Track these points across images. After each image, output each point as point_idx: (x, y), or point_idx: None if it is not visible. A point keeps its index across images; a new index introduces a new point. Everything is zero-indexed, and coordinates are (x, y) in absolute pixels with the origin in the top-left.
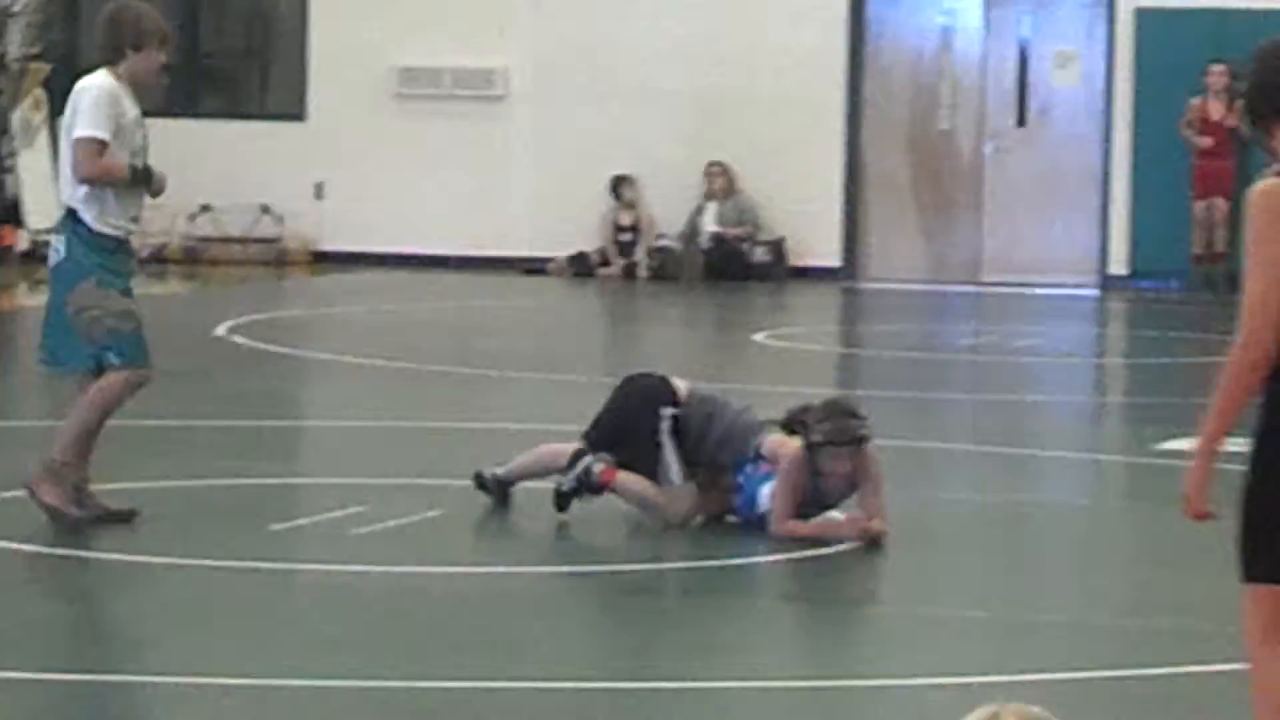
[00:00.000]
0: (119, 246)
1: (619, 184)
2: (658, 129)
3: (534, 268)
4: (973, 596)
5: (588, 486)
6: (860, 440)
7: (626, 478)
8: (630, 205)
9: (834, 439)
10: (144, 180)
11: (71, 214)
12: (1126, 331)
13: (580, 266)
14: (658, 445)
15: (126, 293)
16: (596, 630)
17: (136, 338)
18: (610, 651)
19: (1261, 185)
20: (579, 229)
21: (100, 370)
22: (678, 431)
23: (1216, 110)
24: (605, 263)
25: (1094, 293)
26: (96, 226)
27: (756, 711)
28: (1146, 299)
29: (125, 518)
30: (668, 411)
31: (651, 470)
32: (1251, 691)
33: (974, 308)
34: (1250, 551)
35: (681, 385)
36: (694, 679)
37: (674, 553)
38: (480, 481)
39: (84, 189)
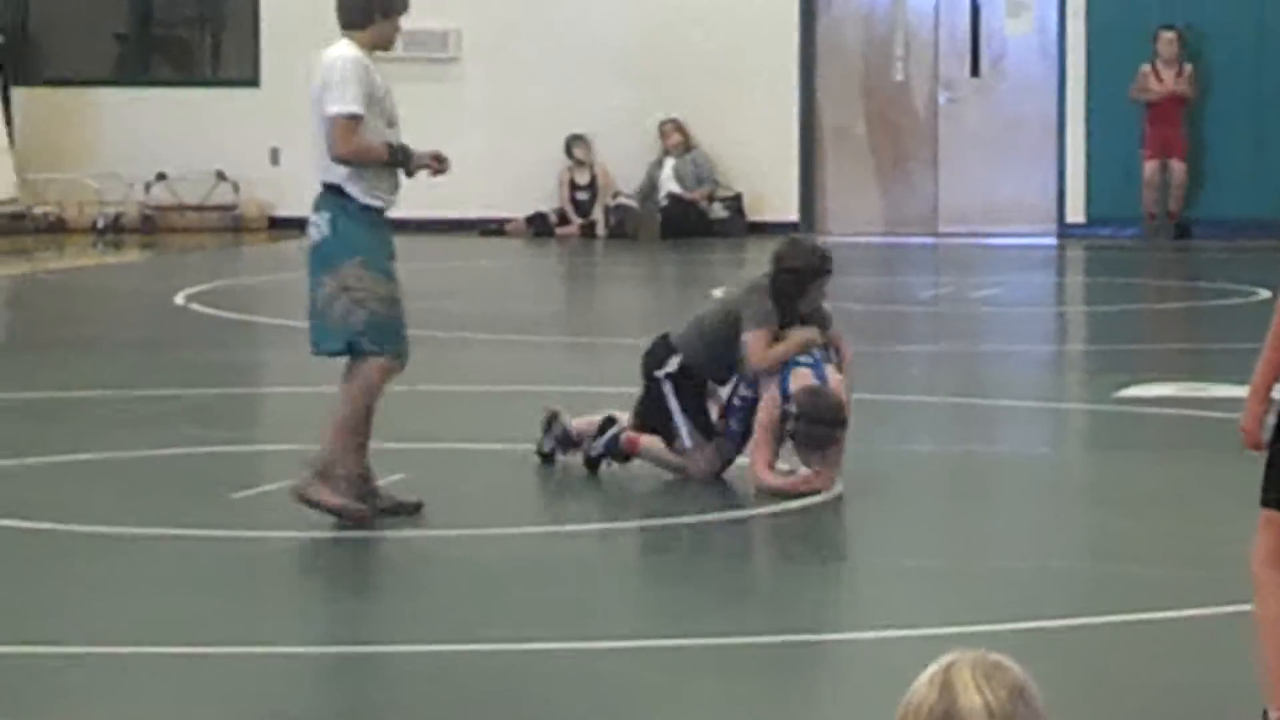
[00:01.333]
0: (383, 221)
1: (573, 143)
2: (611, 87)
3: (492, 229)
4: (934, 547)
5: (614, 453)
6: (827, 265)
7: (650, 443)
8: (586, 164)
9: (805, 266)
10: (402, 161)
11: (336, 190)
12: (1085, 280)
13: (539, 226)
14: (665, 410)
15: (390, 276)
16: (564, 589)
17: (396, 325)
18: (571, 610)
19: None
20: (536, 189)
21: (354, 355)
22: (680, 390)
23: (1167, 76)
24: (564, 222)
25: (1051, 241)
26: (364, 200)
27: (715, 667)
28: (1104, 247)
29: (412, 509)
30: (660, 373)
31: (670, 436)
32: (1255, 610)
33: (932, 259)
34: (1271, 480)
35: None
36: (658, 637)
37: (628, 513)
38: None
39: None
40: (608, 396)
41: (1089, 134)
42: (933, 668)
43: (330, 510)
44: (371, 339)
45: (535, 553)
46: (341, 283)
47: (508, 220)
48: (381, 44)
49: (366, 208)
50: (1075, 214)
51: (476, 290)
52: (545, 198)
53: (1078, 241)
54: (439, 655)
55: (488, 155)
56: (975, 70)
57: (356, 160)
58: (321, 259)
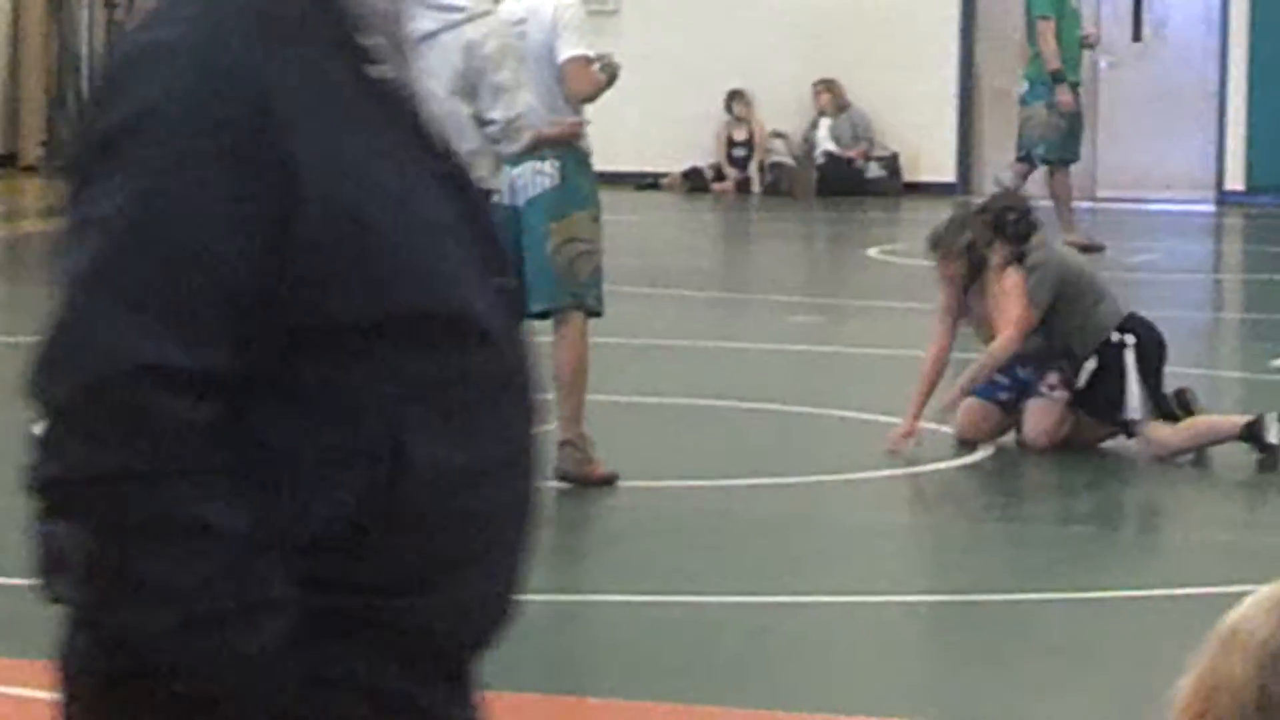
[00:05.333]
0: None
1: (733, 98)
2: (771, 44)
3: (647, 183)
4: (1095, 513)
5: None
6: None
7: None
8: (744, 120)
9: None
10: (610, 84)
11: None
12: (1243, 247)
13: (694, 181)
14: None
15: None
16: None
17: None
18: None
19: None
20: (692, 144)
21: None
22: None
23: None
24: (719, 178)
25: (1210, 208)
26: (587, 148)
27: (877, 623)
28: (1263, 214)
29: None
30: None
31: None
32: None
33: (1089, 223)
34: None
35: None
36: (812, 594)
37: (790, 469)
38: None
39: (573, 112)
40: (763, 353)
41: (1250, 102)
42: (1266, 594)
43: (603, 480)
44: (596, 295)
45: (620, 510)
46: (569, 233)
47: (663, 175)
48: None
49: (589, 156)
50: (1234, 181)
51: (630, 244)
52: (701, 153)
53: (1236, 209)
54: (597, 604)
55: (645, 109)
56: (1137, 35)
57: (595, 97)
58: (545, 208)
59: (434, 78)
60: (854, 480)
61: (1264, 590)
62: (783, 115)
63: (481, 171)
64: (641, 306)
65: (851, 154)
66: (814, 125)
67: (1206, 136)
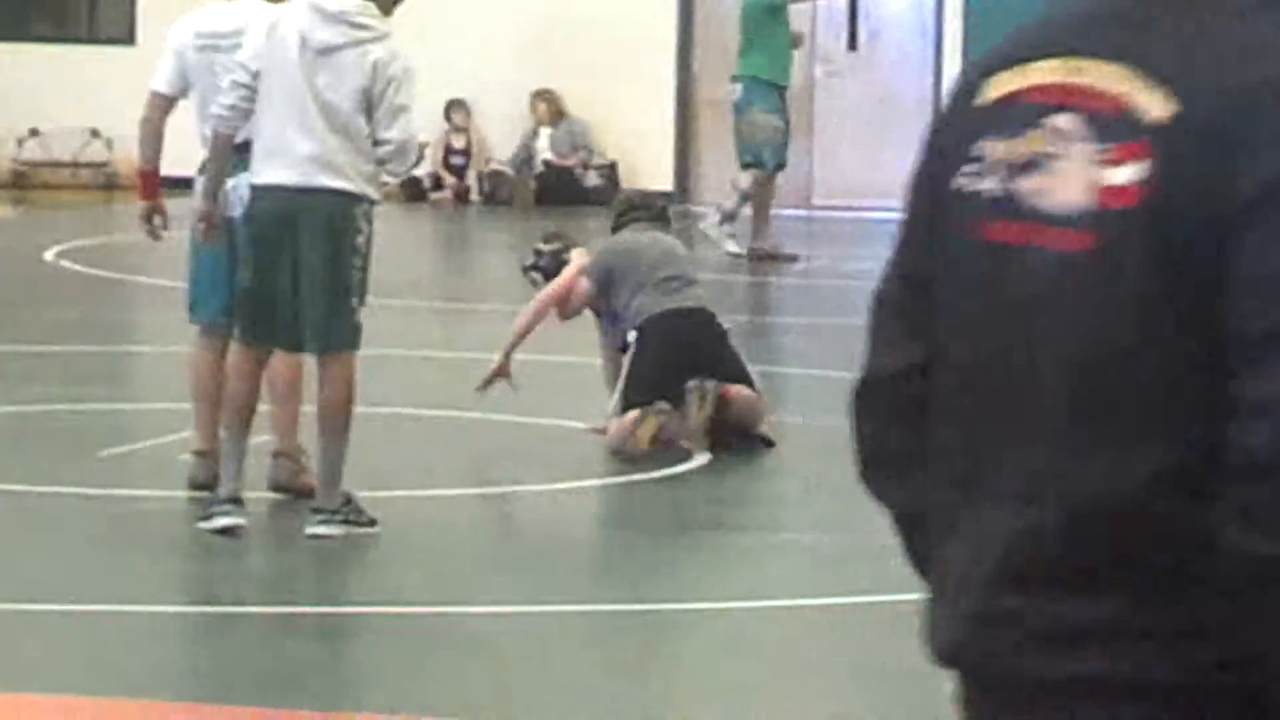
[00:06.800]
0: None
1: (451, 108)
2: (490, 54)
3: None
4: (808, 520)
5: None
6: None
7: None
8: (462, 129)
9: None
10: None
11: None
12: None
13: (412, 191)
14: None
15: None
16: (430, 554)
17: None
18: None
19: None
20: None
21: None
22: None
23: None
24: (438, 186)
25: None
26: None
27: (587, 634)
28: None
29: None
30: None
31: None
32: None
33: (805, 231)
34: None
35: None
36: (536, 604)
37: (506, 479)
38: None
39: None
40: (485, 362)
41: None
42: None
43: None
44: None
45: (406, 515)
46: None
47: (382, 184)
48: None
49: None
50: None
51: None
52: (419, 162)
53: None
54: (305, 616)
55: None
56: (853, 44)
57: None
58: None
59: (331, 90)
60: (567, 490)
61: None
62: (501, 124)
63: (370, 189)
64: (363, 316)
65: (570, 163)
66: (533, 135)
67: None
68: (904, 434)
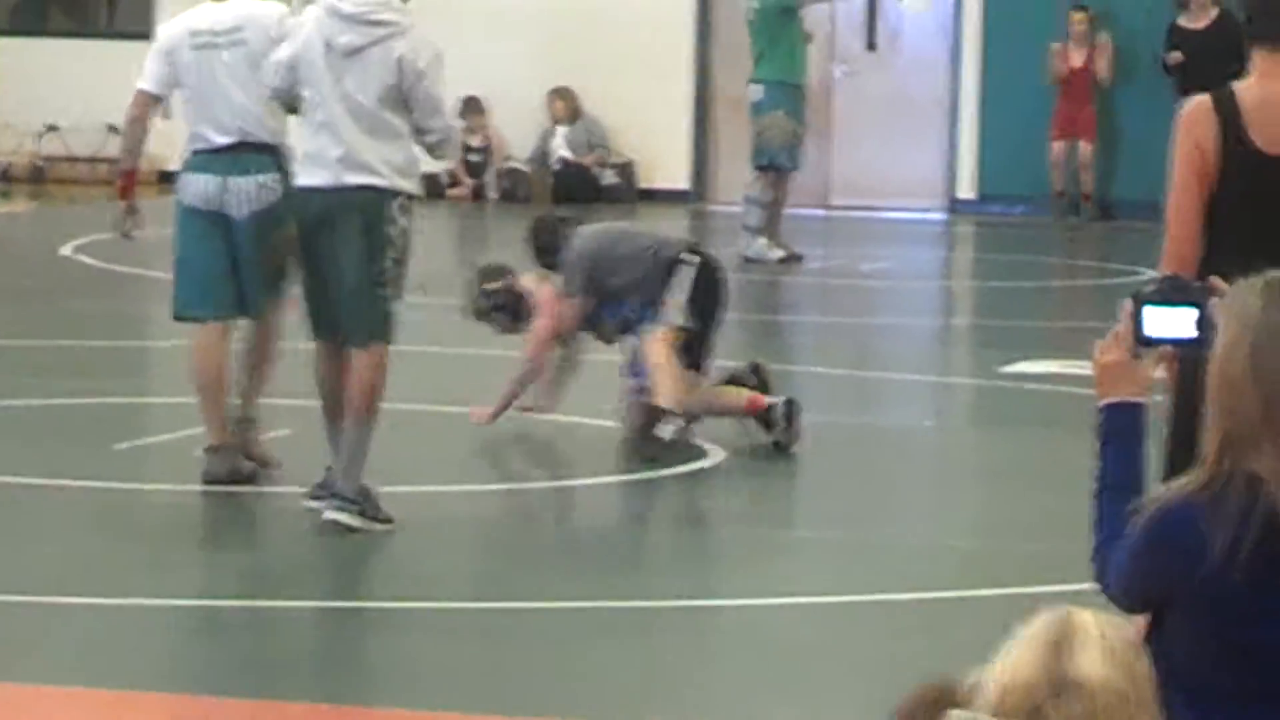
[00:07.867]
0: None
1: (468, 105)
2: (507, 51)
3: None
4: (823, 517)
5: None
6: None
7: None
8: (479, 127)
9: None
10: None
11: None
12: (974, 255)
13: (430, 188)
14: None
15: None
16: (444, 549)
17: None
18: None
19: None
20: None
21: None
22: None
23: (1078, 57)
24: (455, 184)
25: (942, 216)
26: None
27: (606, 629)
28: (994, 223)
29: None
30: None
31: None
32: None
33: (823, 231)
34: None
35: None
36: (555, 599)
37: (524, 475)
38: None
39: None
40: (498, 360)
41: (982, 111)
42: (1047, 615)
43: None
44: None
45: (426, 510)
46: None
47: None
48: None
49: None
50: (966, 190)
51: None
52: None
53: (968, 217)
54: (321, 611)
55: None
56: (871, 44)
57: None
58: (276, 220)
59: (360, 91)
60: (587, 486)
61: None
62: (517, 122)
63: (402, 181)
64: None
65: (586, 161)
66: (550, 133)
67: (939, 145)
68: None
